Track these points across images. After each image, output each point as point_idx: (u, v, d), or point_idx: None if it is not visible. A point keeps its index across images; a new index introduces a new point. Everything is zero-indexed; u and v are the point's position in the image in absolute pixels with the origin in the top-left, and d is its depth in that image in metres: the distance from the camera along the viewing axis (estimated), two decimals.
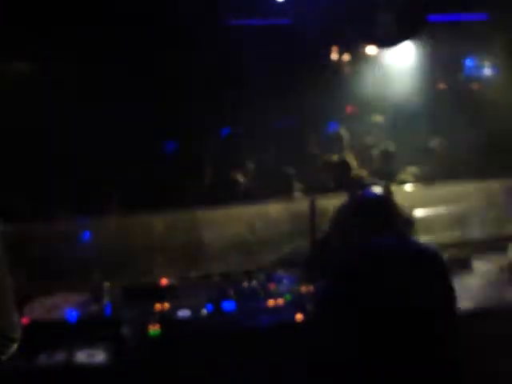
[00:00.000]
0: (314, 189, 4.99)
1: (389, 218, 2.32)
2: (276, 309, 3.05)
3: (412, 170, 5.05)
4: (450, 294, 2.22)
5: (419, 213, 3.90)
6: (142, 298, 3.15)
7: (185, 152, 6.16)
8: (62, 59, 6.54)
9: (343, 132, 6.78)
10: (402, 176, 4.84)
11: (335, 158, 5.43)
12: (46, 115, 6.38)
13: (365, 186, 3.62)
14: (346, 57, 9.29)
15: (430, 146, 5.97)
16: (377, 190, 2.51)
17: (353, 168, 5.04)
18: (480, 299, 3.20)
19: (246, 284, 3.32)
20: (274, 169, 5.76)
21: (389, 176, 4.81)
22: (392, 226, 2.29)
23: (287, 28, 6.30)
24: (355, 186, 3.61)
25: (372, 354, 2.04)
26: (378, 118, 7.39)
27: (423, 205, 3.97)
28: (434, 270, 2.20)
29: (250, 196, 4.85)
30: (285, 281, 3.34)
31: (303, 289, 3.24)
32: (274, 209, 3.80)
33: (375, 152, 5.99)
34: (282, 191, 4.99)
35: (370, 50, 8.20)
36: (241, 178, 5.12)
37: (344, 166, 5.04)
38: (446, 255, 3.63)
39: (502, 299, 3.20)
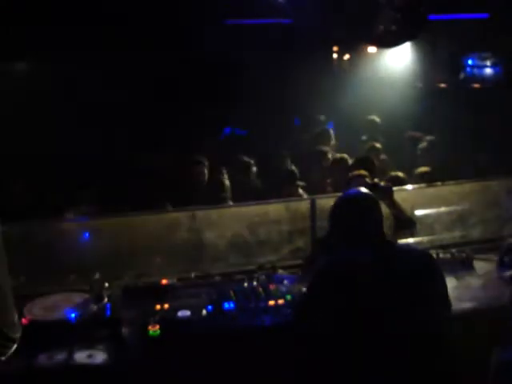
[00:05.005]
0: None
1: (369, 215, 2.51)
2: (276, 309, 3.04)
3: (422, 169, 5.04)
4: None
5: (420, 213, 3.90)
6: (142, 298, 3.15)
7: (185, 152, 6.15)
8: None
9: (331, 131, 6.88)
10: (393, 173, 4.84)
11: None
12: (42, 117, 6.41)
13: (365, 184, 3.62)
14: (347, 57, 9.31)
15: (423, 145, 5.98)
16: (362, 189, 2.67)
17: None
18: (480, 299, 3.20)
19: (246, 284, 3.31)
20: (277, 168, 5.76)
21: (380, 173, 4.83)
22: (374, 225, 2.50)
23: (287, 28, 6.30)
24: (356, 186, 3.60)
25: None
26: (374, 118, 7.41)
27: (424, 204, 3.97)
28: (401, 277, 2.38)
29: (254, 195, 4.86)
30: (285, 281, 3.34)
31: (304, 289, 3.22)
32: (274, 209, 3.79)
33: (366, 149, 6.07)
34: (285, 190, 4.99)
35: (371, 50, 8.21)
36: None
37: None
38: (446, 255, 3.66)
39: (501, 299, 3.19)
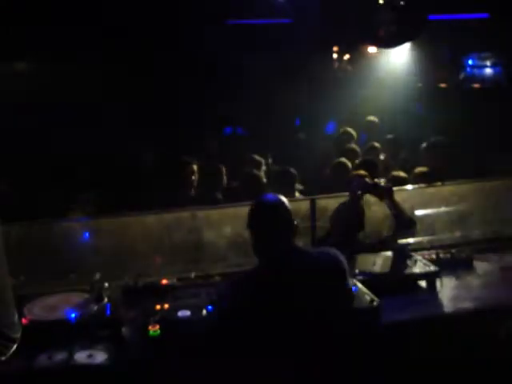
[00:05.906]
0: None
1: (277, 223, 2.54)
2: None
3: (421, 169, 5.03)
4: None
5: (420, 213, 3.90)
6: (142, 298, 3.15)
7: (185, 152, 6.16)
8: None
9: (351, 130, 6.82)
10: (393, 173, 4.84)
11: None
12: (42, 117, 6.42)
13: (365, 184, 3.62)
14: (347, 57, 9.31)
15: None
16: (274, 196, 2.65)
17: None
18: (480, 299, 3.19)
19: None
20: (276, 169, 5.75)
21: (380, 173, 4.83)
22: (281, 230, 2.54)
23: (287, 28, 6.31)
24: (356, 186, 3.60)
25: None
26: (374, 118, 7.41)
27: (424, 204, 3.97)
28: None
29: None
30: None
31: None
32: None
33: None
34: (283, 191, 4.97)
35: (371, 50, 8.21)
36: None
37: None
38: (446, 255, 3.66)
39: (502, 299, 3.19)
